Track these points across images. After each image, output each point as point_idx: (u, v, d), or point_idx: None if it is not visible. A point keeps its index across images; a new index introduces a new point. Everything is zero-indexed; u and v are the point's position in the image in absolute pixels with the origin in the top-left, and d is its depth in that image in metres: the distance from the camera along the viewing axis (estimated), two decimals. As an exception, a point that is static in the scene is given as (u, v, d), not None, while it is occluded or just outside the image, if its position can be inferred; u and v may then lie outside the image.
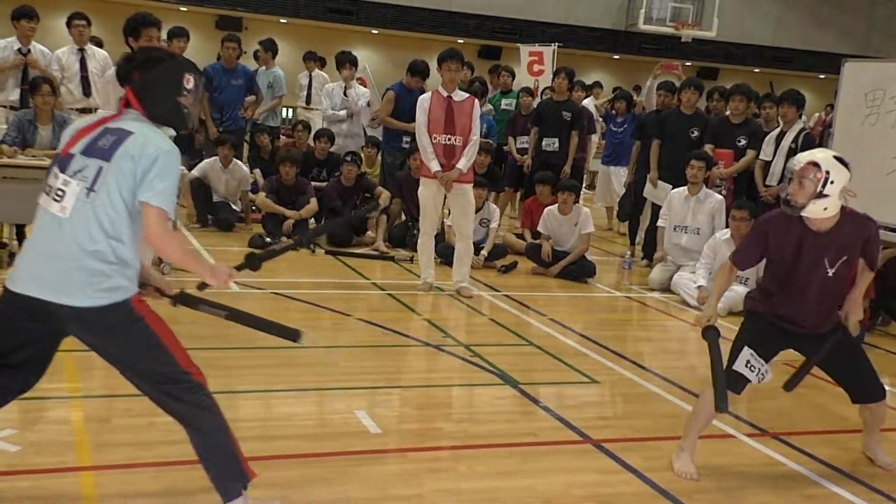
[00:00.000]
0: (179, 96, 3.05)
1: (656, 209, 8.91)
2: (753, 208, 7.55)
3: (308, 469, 3.71)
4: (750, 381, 3.94)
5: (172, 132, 3.31)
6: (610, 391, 5.20)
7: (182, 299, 3.29)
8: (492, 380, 5.15)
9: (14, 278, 2.92)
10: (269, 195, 8.97)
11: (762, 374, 3.94)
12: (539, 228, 8.66)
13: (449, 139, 6.98)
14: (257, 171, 9.84)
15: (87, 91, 8.36)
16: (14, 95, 7.85)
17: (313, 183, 9.36)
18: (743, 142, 8.63)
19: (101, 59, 8.56)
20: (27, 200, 6.52)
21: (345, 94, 10.48)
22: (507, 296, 7.39)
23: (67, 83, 8.36)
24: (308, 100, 11.76)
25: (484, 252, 8.46)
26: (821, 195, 3.72)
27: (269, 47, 10.78)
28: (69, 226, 2.86)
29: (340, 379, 4.97)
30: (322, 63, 12.32)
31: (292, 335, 3.43)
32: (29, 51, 8.07)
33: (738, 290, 7.46)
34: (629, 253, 9.39)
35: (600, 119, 13.23)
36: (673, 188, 8.48)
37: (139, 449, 3.73)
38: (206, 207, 9.24)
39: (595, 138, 12.44)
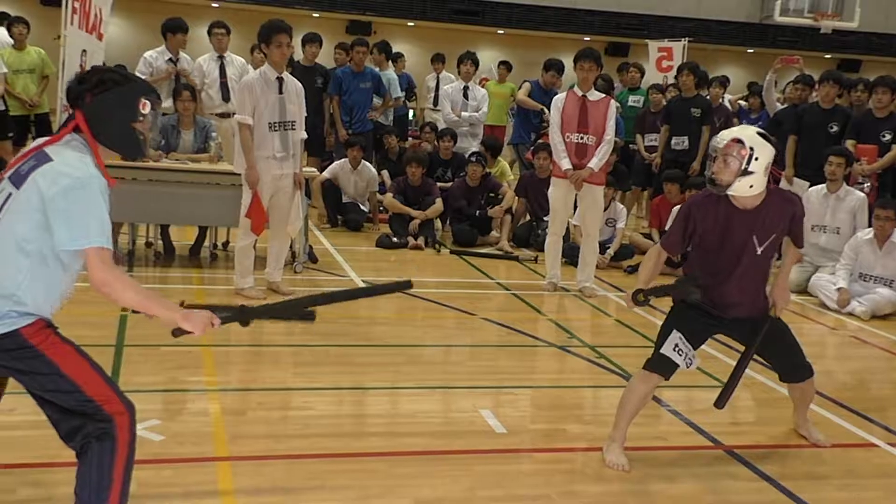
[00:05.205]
0: (134, 122, 2.83)
1: (793, 208, 8.56)
2: (900, 206, 7.15)
3: (434, 466, 3.75)
4: (678, 365, 3.85)
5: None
6: (742, 396, 5.03)
7: (245, 317, 2.98)
8: (618, 382, 5.06)
9: None
10: (396, 196, 9.12)
11: (689, 359, 3.85)
12: (667, 228, 8.46)
13: (581, 138, 6.93)
14: (385, 172, 10.02)
15: (226, 96, 8.72)
16: (167, 103, 8.29)
17: (438, 183, 9.45)
18: (888, 136, 8.18)
19: (238, 66, 8.91)
20: (171, 202, 6.95)
21: (465, 95, 10.51)
22: (634, 296, 7.25)
23: (208, 89, 8.75)
24: (435, 101, 11.89)
25: (610, 252, 8.34)
26: (746, 172, 3.66)
27: (383, 49, 10.92)
28: None
29: (465, 378, 5.00)
30: (442, 62, 12.37)
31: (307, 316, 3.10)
32: (178, 60, 8.48)
33: (884, 294, 7.11)
34: (763, 253, 9.05)
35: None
36: (810, 186, 8.14)
37: (273, 441, 3.86)
38: (335, 208, 9.48)
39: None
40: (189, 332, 2.82)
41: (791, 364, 4.08)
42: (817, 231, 7.90)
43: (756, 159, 3.67)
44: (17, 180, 2.69)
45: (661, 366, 3.87)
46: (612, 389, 4.96)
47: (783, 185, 8.84)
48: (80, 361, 2.77)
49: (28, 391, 2.80)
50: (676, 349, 3.84)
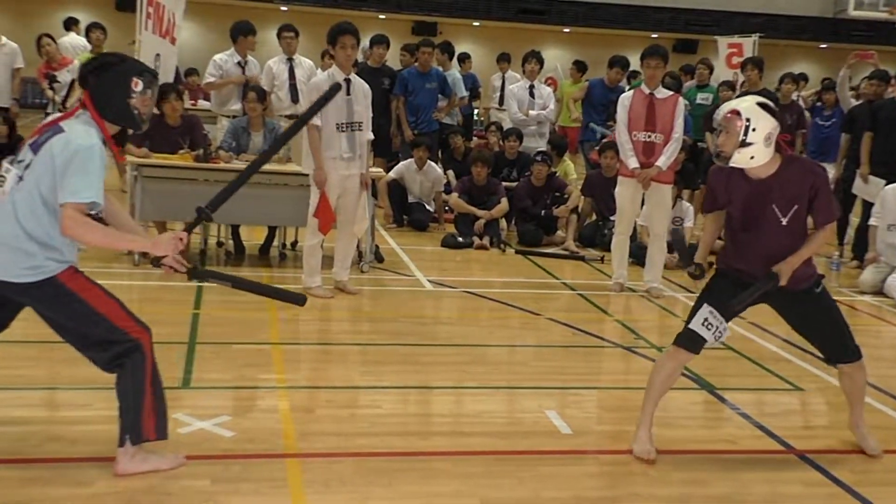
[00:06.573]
0: (129, 98, 3.26)
1: (868, 207, 8.36)
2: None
3: (499, 466, 3.75)
4: (706, 340, 3.81)
5: None
6: (815, 400, 4.93)
7: (195, 274, 3.48)
8: (686, 384, 4.99)
9: None
10: (461, 195, 9.14)
11: (720, 331, 3.81)
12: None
13: (648, 136, 6.86)
14: (450, 172, 10.05)
15: (295, 98, 8.83)
16: (236, 105, 8.44)
17: (503, 183, 9.45)
18: (969, 133, 7.91)
19: (307, 68, 9.02)
20: (241, 202, 6.99)
21: (531, 94, 10.48)
22: (702, 297, 7.15)
23: (277, 91, 8.87)
24: (501, 101, 11.88)
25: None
26: (744, 143, 3.60)
27: (445, 49, 10.96)
28: (5, 208, 3.18)
29: (530, 378, 4.99)
30: (507, 62, 12.38)
31: (297, 300, 3.65)
32: (246, 63, 8.63)
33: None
34: (837, 254, 8.84)
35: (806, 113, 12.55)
36: (887, 184, 7.92)
37: (341, 439, 3.90)
38: (401, 208, 9.55)
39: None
40: (164, 256, 3.30)
41: (834, 343, 3.95)
42: (894, 230, 7.69)
43: (753, 130, 3.59)
44: (36, 148, 3.20)
45: (689, 341, 3.85)
46: (679, 391, 4.89)
47: (857, 183, 8.64)
48: (107, 299, 3.30)
49: (59, 331, 3.33)
50: (706, 323, 3.81)
